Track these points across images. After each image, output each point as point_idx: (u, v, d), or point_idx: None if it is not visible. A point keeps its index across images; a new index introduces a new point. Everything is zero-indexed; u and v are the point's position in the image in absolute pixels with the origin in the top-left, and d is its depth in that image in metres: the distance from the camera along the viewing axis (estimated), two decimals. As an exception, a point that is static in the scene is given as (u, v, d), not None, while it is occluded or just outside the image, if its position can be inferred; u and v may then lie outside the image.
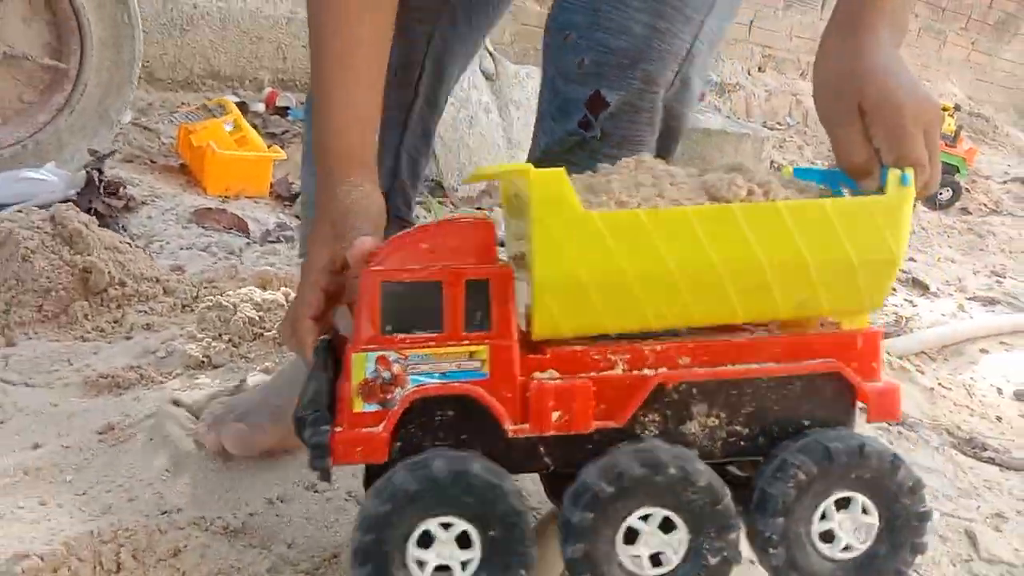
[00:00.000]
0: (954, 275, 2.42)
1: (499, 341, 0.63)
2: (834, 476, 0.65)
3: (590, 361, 0.65)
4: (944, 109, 3.42)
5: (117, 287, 1.14)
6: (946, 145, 3.34)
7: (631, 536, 0.63)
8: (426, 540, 0.61)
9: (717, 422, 0.68)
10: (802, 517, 0.66)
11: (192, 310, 1.20)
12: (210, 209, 1.71)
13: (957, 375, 1.61)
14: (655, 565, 0.64)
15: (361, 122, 0.78)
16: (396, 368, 0.63)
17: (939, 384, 1.51)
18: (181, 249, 1.49)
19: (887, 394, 0.68)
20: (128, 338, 1.11)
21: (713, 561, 0.64)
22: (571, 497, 0.63)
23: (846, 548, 0.66)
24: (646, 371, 0.66)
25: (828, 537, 0.66)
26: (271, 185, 1.95)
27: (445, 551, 0.62)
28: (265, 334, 1.12)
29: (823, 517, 0.66)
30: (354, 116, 0.78)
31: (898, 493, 0.66)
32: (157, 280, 1.20)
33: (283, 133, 2.35)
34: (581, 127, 0.89)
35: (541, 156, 0.92)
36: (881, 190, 0.66)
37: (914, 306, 2.05)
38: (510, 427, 0.63)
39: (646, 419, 0.67)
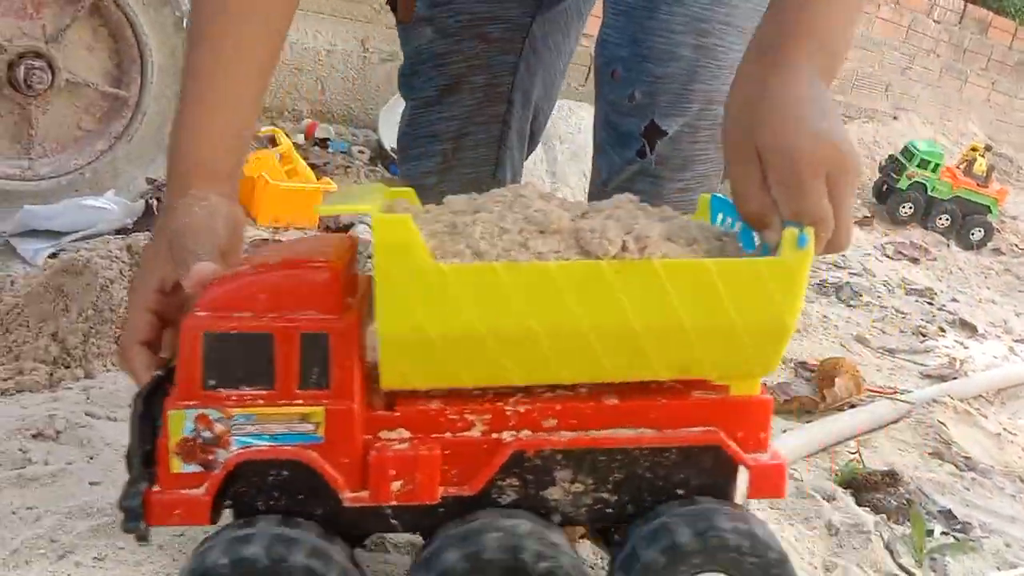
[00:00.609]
0: (998, 317, 2.40)
1: (337, 403, 0.57)
2: (688, 560, 0.59)
3: (445, 421, 0.60)
4: (974, 149, 3.41)
5: (193, 319, 1.12)
6: (978, 185, 3.34)
7: None
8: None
9: (582, 488, 0.62)
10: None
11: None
12: (266, 240, 1.69)
13: (1018, 419, 1.57)
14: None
15: (219, 129, 0.70)
16: (218, 428, 0.57)
17: (1004, 429, 1.47)
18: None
19: (772, 470, 0.62)
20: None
21: None
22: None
23: None
24: (505, 435, 0.60)
25: None
26: (320, 217, 1.94)
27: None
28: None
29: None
30: (210, 120, 0.70)
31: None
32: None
33: (324, 164, 2.34)
34: (639, 156, 0.87)
35: (602, 188, 0.90)
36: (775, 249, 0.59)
37: (966, 348, 2.02)
38: (347, 495, 0.58)
39: (504, 483, 0.61)
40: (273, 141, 2.03)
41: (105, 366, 1.03)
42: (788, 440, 1.18)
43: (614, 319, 0.57)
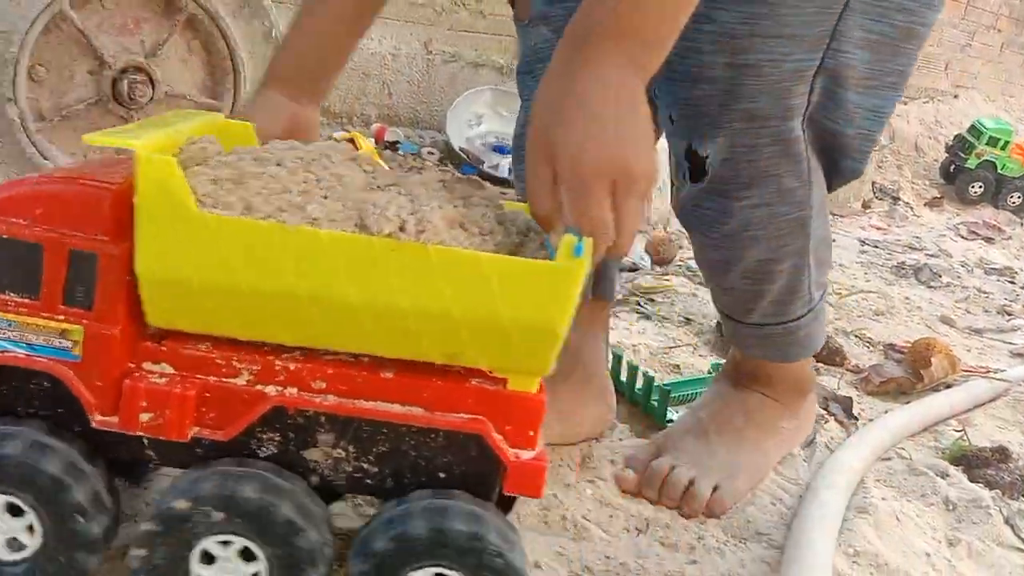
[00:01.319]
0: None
1: (98, 326, 0.57)
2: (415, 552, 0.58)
3: (211, 364, 0.59)
4: None
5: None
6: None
7: (207, 559, 0.58)
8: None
9: (344, 455, 0.61)
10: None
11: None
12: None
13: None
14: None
15: (299, 47, 0.82)
16: None
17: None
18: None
19: (530, 468, 0.60)
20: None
21: None
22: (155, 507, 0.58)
23: None
24: (270, 388, 0.59)
25: None
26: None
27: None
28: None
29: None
30: (295, 38, 0.82)
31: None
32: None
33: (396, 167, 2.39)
34: (691, 180, 0.84)
35: (678, 209, 0.89)
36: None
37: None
38: (97, 418, 0.58)
39: (264, 436, 0.60)
40: (353, 145, 2.08)
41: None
42: (890, 420, 1.19)
43: (383, 297, 0.56)
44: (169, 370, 0.59)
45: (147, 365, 0.59)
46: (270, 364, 0.59)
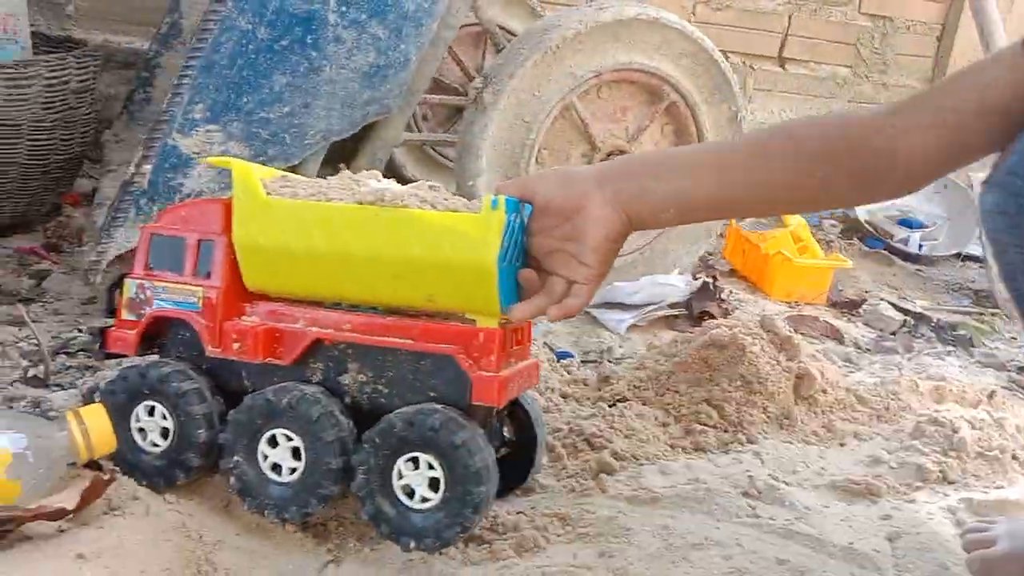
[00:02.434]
0: None
1: (211, 286, 0.88)
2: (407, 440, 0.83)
3: (282, 315, 0.90)
4: None
5: (822, 394, 1.21)
6: None
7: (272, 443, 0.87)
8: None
9: (365, 379, 0.88)
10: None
11: (887, 420, 1.22)
12: (802, 315, 1.76)
13: None
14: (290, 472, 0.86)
15: (665, 180, 0.80)
16: (148, 293, 0.91)
17: None
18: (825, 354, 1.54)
19: (489, 381, 0.83)
20: (842, 444, 1.16)
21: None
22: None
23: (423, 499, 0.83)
24: (314, 328, 0.88)
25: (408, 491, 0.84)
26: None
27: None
28: (988, 453, 1.10)
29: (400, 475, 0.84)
30: (668, 169, 0.81)
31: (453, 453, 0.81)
32: (848, 388, 1.25)
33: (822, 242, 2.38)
34: None
35: None
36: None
37: None
38: (209, 348, 0.88)
39: (314, 366, 0.89)
40: (783, 220, 2.13)
41: (763, 433, 1.14)
42: None
43: (375, 251, 0.83)
44: (256, 320, 0.90)
45: (244, 317, 0.90)
46: (316, 314, 0.89)
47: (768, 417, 1.17)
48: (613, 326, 1.60)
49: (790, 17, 2.69)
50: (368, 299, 0.89)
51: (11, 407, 1.07)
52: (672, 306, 1.66)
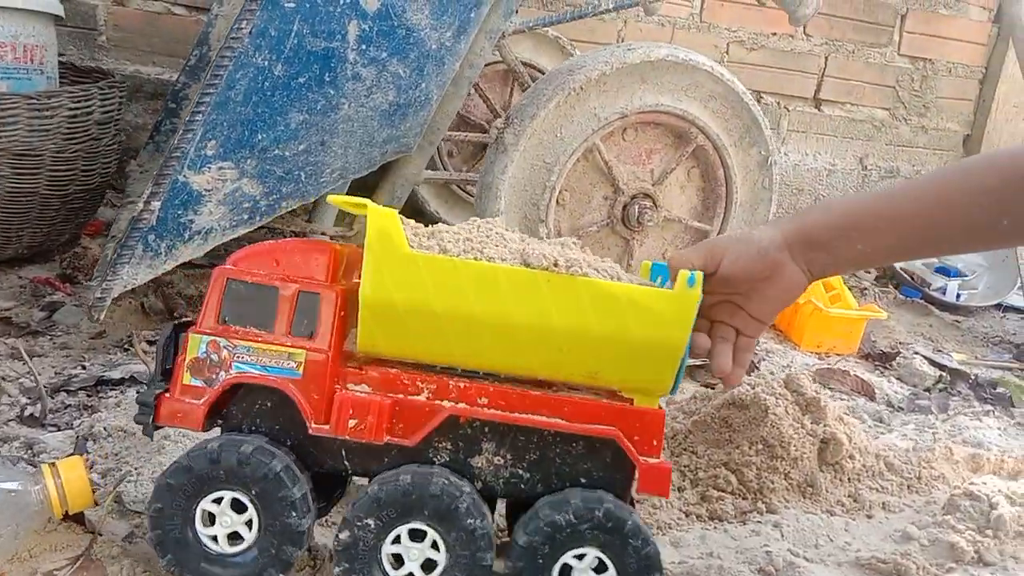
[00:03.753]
0: None
1: (317, 350, 0.73)
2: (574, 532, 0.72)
3: (400, 384, 0.74)
4: None
5: (849, 460, 1.14)
6: None
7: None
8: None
9: (503, 462, 0.76)
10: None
11: (918, 491, 1.15)
12: (832, 369, 1.69)
13: None
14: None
15: (844, 218, 0.78)
16: (224, 353, 0.73)
17: None
18: (852, 414, 1.47)
19: (658, 470, 0.73)
20: (870, 516, 1.09)
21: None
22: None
23: None
24: (445, 402, 0.74)
25: None
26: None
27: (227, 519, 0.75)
28: (1024, 530, 1.02)
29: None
30: (845, 209, 0.79)
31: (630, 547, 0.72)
32: (878, 454, 1.18)
33: (855, 289, 2.31)
34: None
35: None
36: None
37: None
38: (313, 425, 0.73)
39: (439, 445, 0.75)
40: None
41: (783, 502, 1.07)
42: None
43: (541, 319, 0.71)
44: (368, 388, 0.75)
45: (350, 385, 0.75)
46: (444, 384, 0.75)
47: (790, 484, 1.10)
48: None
49: (826, 58, 2.63)
50: (515, 370, 0.76)
51: None
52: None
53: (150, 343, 1.49)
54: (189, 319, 0.80)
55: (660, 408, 0.75)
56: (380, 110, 1.44)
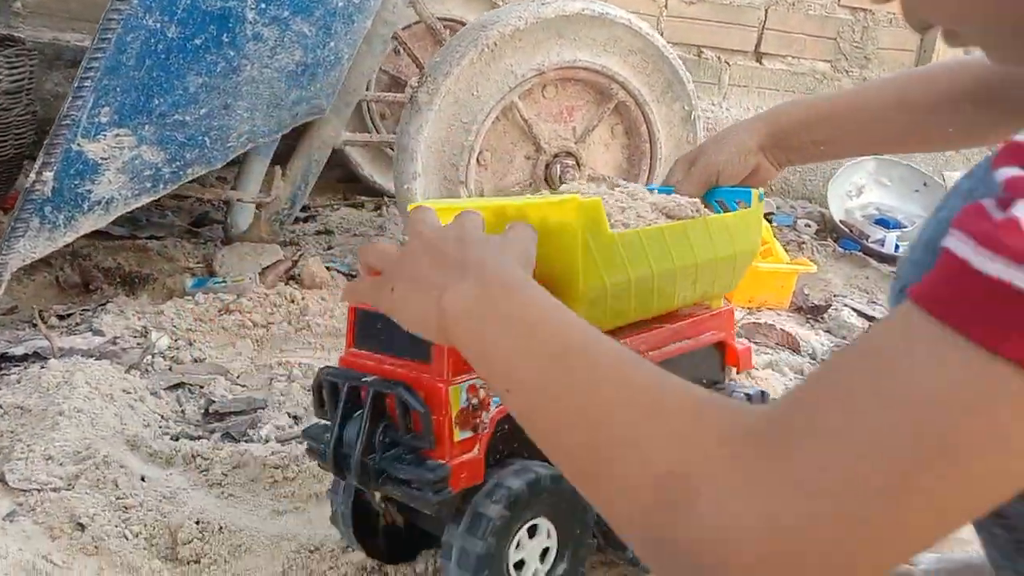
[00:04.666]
0: None
1: None
2: None
3: None
4: None
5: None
6: None
7: None
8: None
9: None
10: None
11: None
12: (758, 323, 1.69)
13: None
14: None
15: (825, 123, 0.91)
16: (481, 394, 0.67)
17: None
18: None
19: (747, 352, 0.93)
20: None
21: None
22: None
23: None
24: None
25: None
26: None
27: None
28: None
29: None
30: (824, 111, 0.92)
31: None
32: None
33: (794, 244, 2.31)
34: None
35: None
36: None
37: None
38: None
39: None
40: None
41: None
42: None
43: (689, 260, 0.81)
44: None
45: None
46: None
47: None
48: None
49: (767, 10, 2.61)
50: (660, 312, 0.85)
51: None
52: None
53: (60, 318, 1.45)
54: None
55: (729, 305, 0.94)
56: (286, 71, 1.40)
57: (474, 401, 0.67)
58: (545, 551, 0.73)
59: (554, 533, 0.73)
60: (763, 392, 0.94)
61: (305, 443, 0.76)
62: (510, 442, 0.72)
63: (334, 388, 0.72)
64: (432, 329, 0.55)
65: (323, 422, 0.75)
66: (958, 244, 0.35)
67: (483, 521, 0.67)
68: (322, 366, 0.76)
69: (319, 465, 0.78)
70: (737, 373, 0.91)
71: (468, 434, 0.67)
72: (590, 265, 0.69)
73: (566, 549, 0.74)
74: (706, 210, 0.87)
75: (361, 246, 0.80)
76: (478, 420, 0.67)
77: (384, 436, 0.68)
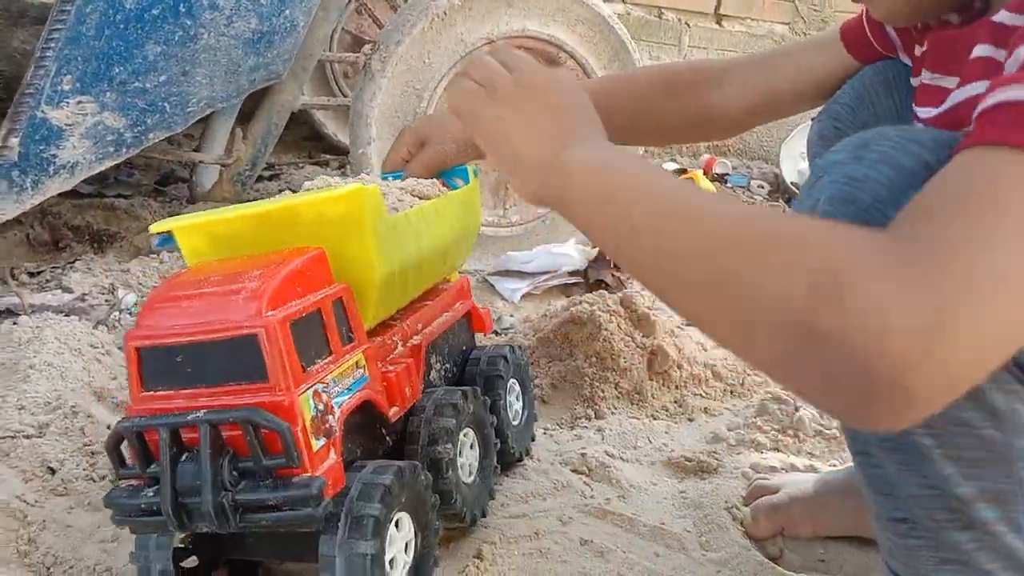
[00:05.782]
0: None
1: (365, 346, 0.73)
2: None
3: (388, 345, 0.81)
4: None
5: (676, 369, 1.23)
6: None
7: None
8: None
9: (440, 364, 0.93)
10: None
11: (740, 395, 1.25)
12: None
13: None
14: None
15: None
16: (325, 398, 0.65)
17: None
18: (688, 326, 1.57)
19: (488, 314, 1.04)
20: (691, 420, 1.19)
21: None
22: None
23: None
24: (414, 340, 0.85)
25: None
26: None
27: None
28: (826, 432, 1.13)
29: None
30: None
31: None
32: (706, 364, 1.28)
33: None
34: None
35: None
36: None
37: None
38: (390, 412, 0.76)
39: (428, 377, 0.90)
40: (692, 182, 2.13)
41: (612, 409, 1.17)
42: None
43: (447, 236, 0.89)
44: (399, 357, 0.82)
45: (381, 366, 0.77)
46: (404, 329, 0.85)
47: (620, 393, 1.20)
48: (507, 295, 1.62)
49: (727, -28, 2.65)
50: (422, 288, 0.92)
51: None
52: (571, 274, 1.68)
53: (31, 275, 1.52)
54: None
55: (464, 275, 1.04)
56: (243, 38, 1.45)
57: (320, 407, 0.64)
58: (407, 544, 0.71)
59: (412, 524, 0.72)
60: (512, 347, 1.03)
61: (113, 514, 0.67)
62: (350, 442, 0.73)
63: (142, 440, 0.65)
64: (536, 170, 0.60)
65: (126, 483, 0.68)
66: (1017, 92, 0.44)
67: (366, 521, 0.65)
68: (116, 421, 0.69)
69: (140, 529, 0.68)
70: (485, 336, 0.96)
71: (323, 441, 0.64)
72: (382, 251, 0.73)
73: (420, 537, 0.74)
74: (444, 188, 0.93)
75: (472, 56, 0.92)
76: (327, 425, 0.65)
77: (232, 469, 0.63)
